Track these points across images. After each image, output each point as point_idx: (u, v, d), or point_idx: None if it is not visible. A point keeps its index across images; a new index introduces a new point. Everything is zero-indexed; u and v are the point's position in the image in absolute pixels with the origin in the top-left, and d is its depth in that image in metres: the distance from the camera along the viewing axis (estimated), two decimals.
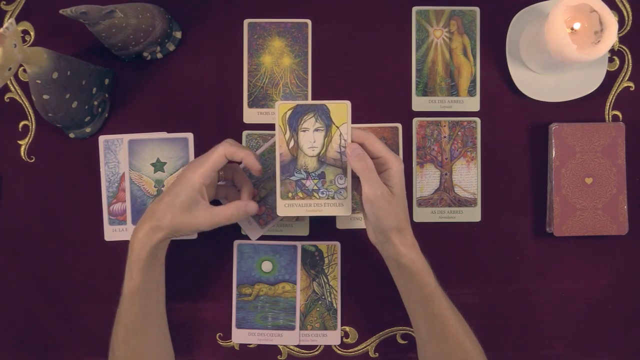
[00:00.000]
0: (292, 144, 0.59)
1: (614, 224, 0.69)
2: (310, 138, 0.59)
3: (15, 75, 0.72)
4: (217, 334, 0.71)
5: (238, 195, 0.65)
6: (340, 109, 0.58)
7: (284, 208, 0.60)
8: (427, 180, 0.71)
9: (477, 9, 0.72)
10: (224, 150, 0.59)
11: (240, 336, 0.70)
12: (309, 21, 0.72)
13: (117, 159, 0.70)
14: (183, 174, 0.59)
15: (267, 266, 0.71)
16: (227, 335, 0.70)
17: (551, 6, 0.68)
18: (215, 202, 0.63)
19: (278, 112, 0.59)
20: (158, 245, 0.59)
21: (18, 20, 0.71)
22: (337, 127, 0.58)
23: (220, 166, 0.59)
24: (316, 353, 0.71)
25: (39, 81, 0.59)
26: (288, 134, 0.59)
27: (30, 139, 0.71)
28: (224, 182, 0.66)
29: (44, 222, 0.71)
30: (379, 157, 0.57)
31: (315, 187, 0.59)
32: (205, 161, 0.59)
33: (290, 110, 0.59)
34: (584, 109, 0.71)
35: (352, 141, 0.58)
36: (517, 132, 0.71)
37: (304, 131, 0.59)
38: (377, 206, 0.55)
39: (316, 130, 0.59)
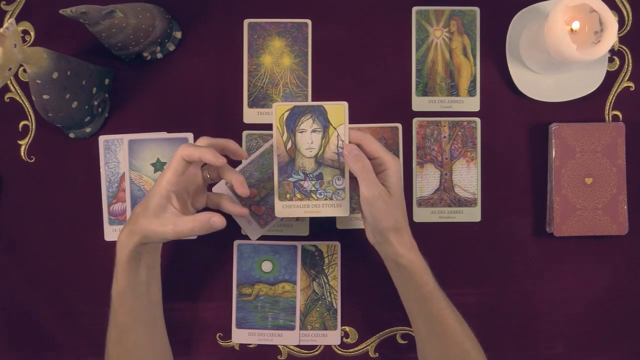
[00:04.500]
0: (289, 145, 0.59)
1: (614, 224, 0.69)
2: (308, 139, 0.59)
3: (15, 75, 0.72)
4: (217, 334, 0.71)
5: (230, 203, 0.62)
6: (338, 110, 0.58)
7: (282, 209, 0.60)
8: (427, 180, 0.71)
9: (477, 9, 0.72)
10: (180, 154, 0.56)
11: (240, 336, 0.70)
12: (309, 21, 0.72)
13: (117, 159, 0.70)
14: (157, 178, 0.57)
15: (267, 266, 0.71)
16: (227, 335, 0.71)
17: (551, 6, 0.68)
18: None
19: (275, 113, 0.59)
20: (138, 249, 0.57)
21: (18, 20, 0.71)
22: (334, 128, 0.58)
23: (182, 170, 0.56)
24: (316, 353, 0.71)
25: (39, 81, 0.59)
26: (285, 135, 0.59)
27: (30, 139, 0.71)
28: (227, 190, 0.66)
29: (44, 222, 0.71)
30: (376, 157, 0.57)
31: (313, 188, 0.59)
32: (168, 167, 0.56)
33: (288, 112, 0.59)
34: (584, 109, 0.71)
35: (349, 142, 0.58)
36: (517, 132, 0.71)
37: (301, 132, 0.59)
38: (374, 207, 0.55)
39: (313, 131, 0.59)
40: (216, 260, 0.71)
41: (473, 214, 0.71)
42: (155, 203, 0.56)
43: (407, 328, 0.70)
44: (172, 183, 0.56)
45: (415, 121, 0.71)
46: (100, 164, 0.70)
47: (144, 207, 0.57)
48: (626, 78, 0.71)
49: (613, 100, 0.71)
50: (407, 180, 0.71)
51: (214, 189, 0.68)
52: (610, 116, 0.71)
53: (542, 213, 0.71)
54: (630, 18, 0.72)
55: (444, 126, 0.71)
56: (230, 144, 0.59)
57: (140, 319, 0.60)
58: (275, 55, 0.72)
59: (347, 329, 0.71)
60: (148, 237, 0.56)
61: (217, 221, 0.56)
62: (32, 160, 0.71)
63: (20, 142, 0.71)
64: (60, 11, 0.57)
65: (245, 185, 0.58)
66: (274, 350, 0.71)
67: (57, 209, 0.71)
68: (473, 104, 0.71)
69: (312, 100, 0.71)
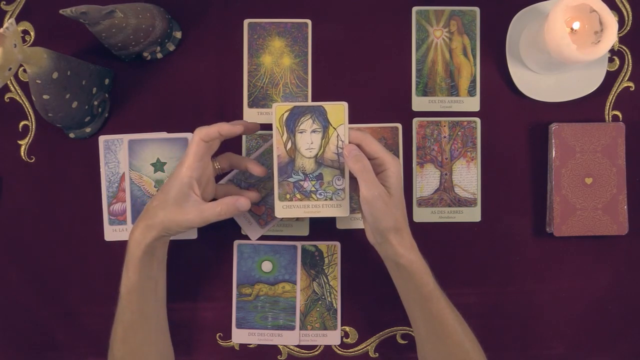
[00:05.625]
0: (289, 145, 0.59)
1: (614, 224, 0.69)
2: (308, 139, 0.59)
3: (15, 75, 0.72)
4: (217, 334, 0.71)
5: (239, 192, 0.65)
6: (337, 110, 0.58)
7: (282, 210, 0.60)
8: (427, 180, 0.71)
9: (477, 9, 0.72)
10: (198, 136, 0.57)
11: (240, 336, 0.70)
12: (309, 21, 0.72)
13: (117, 159, 0.70)
14: (173, 171, 0.59)
15: (267, 266, 0.71)
16: (227, 335, 0.71)
17: (551, 6, 0.68)
18: None
19: (275, 113, 0.59)
20: (154, 244, 0.58)
21: (18, 20, 0.71)
22: (334, 128, 0.58)
23: (202, 153, 0.58)
24: (316, 353, 0.71)
25: (39, 81, 0.59)
26: (285, 135, 0.59)
27: (30, 139, 0.71)
28: (226, 180, 0.66)
29: (44, 222, 0.71)
30: (376, 157, 0.57)
31: (313, 189, 0.59)
32: (187, 153, 0.58)
33: (288, 112, 0.59)
34: (584, 109, 0.71)
35: (349, 142, 0.58)
36: (517, 132, 0.71)
37: (301, 133, 0.59)
38: (374, 207, 0.55)
39: (313, 131, 0.59)
40: (216, 260, 0.71)
41: (473, 214, 0.71)
42: (176, 192, 0.57)
43: (407, 328, 0.70)
44: (194, 168, 0.57)
45: (415, 121, 0.71)
46: (100, 164, 0.70)
47: (162, 199, 0.58)
48: (626, 78, 0.71)
49: (613, 100, 0.71)
50: (407, 180, 0.71)
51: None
52: (610, 116, 0.71)
53: (542, 213, 0.71)
54: (630, 18, 0.72)
55: (444, 126, 0.71)
56: (225, 125, 0.59)
57: (147, 316, 0.61)
58: (275, 55, 0.72)
59: (347, 329, 0.71)
60: (169, 228, 0.57)
61: (243, 203, 0.58)
62: (32, 160, 0.71)
63: (20, 142, 0.71)
64: (60, 11, 0.57)
65: (259, 165, 0.63)
66: (274, 350, 0.71)
67: (57, 209, 0.71)
68: (473, 104, 0.71)
69: (312, 100, 0.71)
